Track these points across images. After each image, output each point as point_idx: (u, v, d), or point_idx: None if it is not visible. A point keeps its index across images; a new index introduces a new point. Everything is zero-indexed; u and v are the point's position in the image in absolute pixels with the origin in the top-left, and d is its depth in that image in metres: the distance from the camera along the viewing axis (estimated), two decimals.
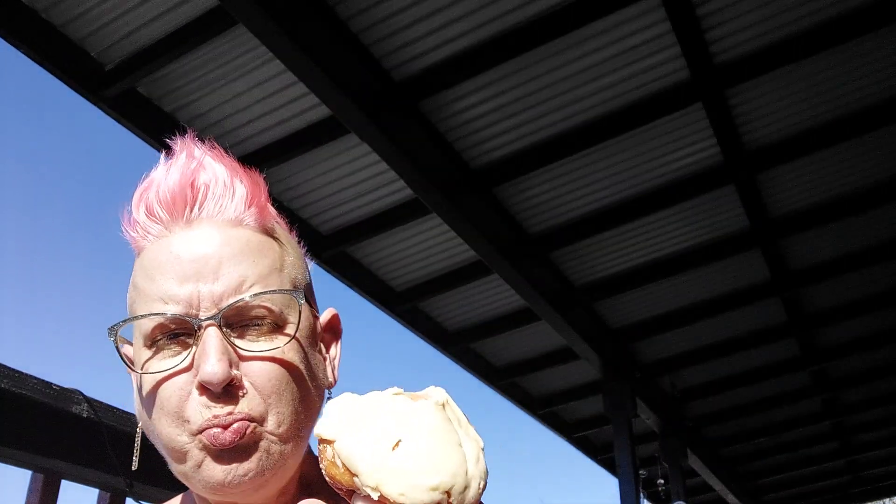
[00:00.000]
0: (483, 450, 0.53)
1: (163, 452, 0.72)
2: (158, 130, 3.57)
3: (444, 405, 0.54)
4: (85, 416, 2.17)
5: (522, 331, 5.71)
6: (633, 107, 3.75)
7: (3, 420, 1.97)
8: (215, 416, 0.66)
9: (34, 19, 3.08)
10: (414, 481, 0.48)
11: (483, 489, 0.52)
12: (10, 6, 2.99)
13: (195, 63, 3.37)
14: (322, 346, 0.78)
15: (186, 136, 0.76)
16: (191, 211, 0.71)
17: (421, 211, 4.20)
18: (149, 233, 0.72)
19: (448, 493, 0.48)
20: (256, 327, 0.69)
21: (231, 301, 0.68)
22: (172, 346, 0.69)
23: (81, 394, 2.20)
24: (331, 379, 0.78)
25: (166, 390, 0.68)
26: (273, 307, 0.70)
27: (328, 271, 4.65)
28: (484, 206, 4.16)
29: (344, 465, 0.51)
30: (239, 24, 2.95)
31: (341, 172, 4.06)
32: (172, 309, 0.68)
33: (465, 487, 0.49)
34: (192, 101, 3.57)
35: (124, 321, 0.71)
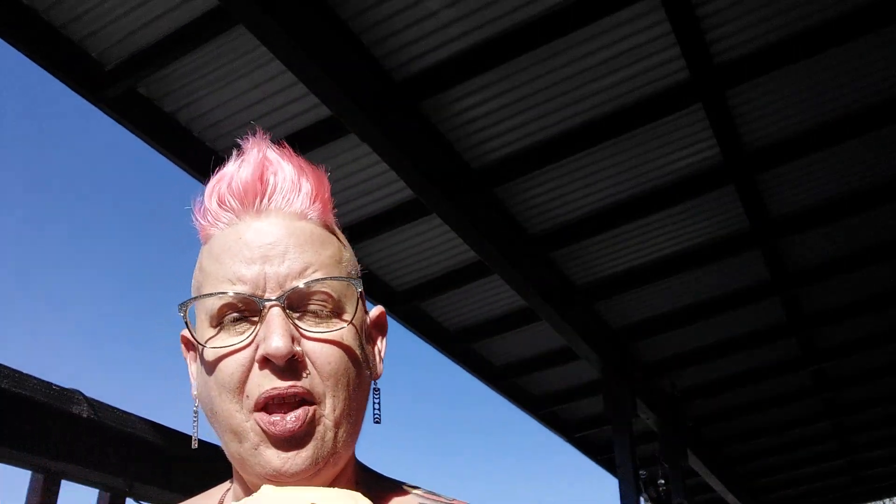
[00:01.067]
0: None
1: (220, 433, 0.75)
2: (158, 131, 3.58)
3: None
4: (85, 416, 2.17)
5: (522, 331, 5.71)
6: (633, 107, 3.75)
7: (3, 420, 1.97)
8: (274, 388, 0.70)
9: (34, 19, 3.08)
10: None
11: None
12: (10, 6, 2.99)
13: (195, 63, 3.37)
14: (369, 338, 0.83)
15: (258, 134, 0.83)
16: (260, 202, 0.77)
17: (421, 211, 4.20)
18: (219, 221, 0.78)
19: None
20: (317, 311, 0.75)
21: (295, 284, 0.73)
22: (237, 325, 0.73)
23: (81, 394, 2.20)
24: (378, 370, 0.83)
25: (228, 365, 0.72)
26: (333, 294, 0.75)
27: None
28: (484, 206, 4.17)
29: None
30: (239, 24, 2.96)
31: (341, 172, 4.06)
32: (239, 288, 0.73)
33: None
34: (192, 101, 3.57)
35: (194, 298, 0.76)
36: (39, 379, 2.09)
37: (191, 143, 3.72)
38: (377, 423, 0.80)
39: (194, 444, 0.79)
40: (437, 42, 3.33)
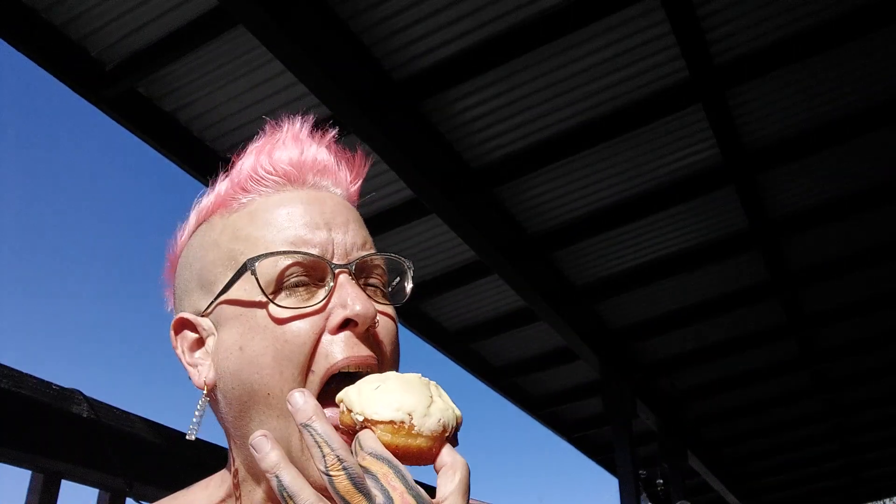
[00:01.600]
0: (458, 417, 0.65)
1: (257, 416, 0.69)
2: (158, 130, 3.58)
3: (428, 381, 0.66)
4: (85, 416, 2.17)
5: (522, 331, 5.71)
6: (633, 107, 3.75)
7: (3, 420, 1.97)
8: (353, 356, 0.69)
9: (34, 19, 3.08)
10: (385, 402, 0.61)
11: (448, 432, 0.62)
12: (10, 6, 2.99)
13: (195, 63, 3.37)
14: None
15: (301, 118, 0.84)
16: (313, 175, 0.78)
17: (421, 211, 4.20)
18: (265, 186, 0.76)
19: (410, 414, 0.61)
20: (375, 285, 0.75)
21: (361, 254, 0.74)
22: (301, 289, 0.71)
23: (81, 394, 2.20)
24: None
25: (297, 334, 0.69)
26: (386, 270, 0.77)
27: None
28: (484, 206, 4.17)
29: (346, 408, 0.63)
30: (239, 24, 2.96)
31: None
32: (306, 248, 0.71)
33: (425, 415, 0.61)
34: (192, 101, 3.57)
35: (268, 254, 0.71)
36: (39, 379, 2.09)
37: (190, 142, 3.72)
38: None
39: (191, 436, 0.74)
40: (436, 42, 3.33)
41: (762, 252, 5.01)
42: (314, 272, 0.71)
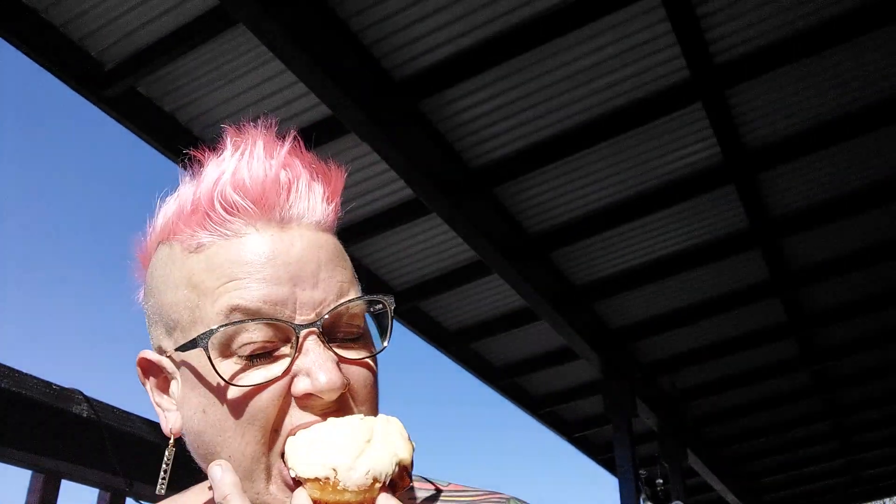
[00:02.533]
0: (400, 461, 0.62)
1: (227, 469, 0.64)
2: (158, 130, 3.58)
3: (372, 422, 0.63)
4: (85, 416, 2.17)
5: (522, 331, 5.70)
6: (633, 107, 3.75)
7: (3, 420, 1.97)
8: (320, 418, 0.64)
9: (34, 19, 3.08)
10: (312, 458, 0.60)
11: (381, 481, 0.60)
12: (10, 6, 2.99)
13: (195, 63, 3.37)
14: None
15: (257, 121, 0.73)
16: (281, 209, 0.67)
17: (421, 211, 4.20)
18: (222, 228, 0.65)
19: (335, 469, 0.59)
20: (350, 333, 0.68)
21: (331, 307, 0.65)
22: (262, 354, 0.64)
23: (81, 394, 2.20)
24: None
25: (259, 401, 0.63)
26: (362, 312, 0.69)
27: None
28: (484, 206, 4.16)
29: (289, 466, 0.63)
30: (239, 24, 2.96)
31: None
32: (267, 311, 0.63)
33: (351, 469, 0.59)
34: (192, 101, 3.57)
35: (221, 326, 0.63)
36: (39, 379, 2.09)
37: (191, 142, 3.71)
38: None
39: (160, 490, 0.70)
40: (436, 42, 3.33)
41: (762, 252, 5.00)
42: (277, 334, 0.64)
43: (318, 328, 0.64)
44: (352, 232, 4.46)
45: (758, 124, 3.99)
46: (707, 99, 3.71)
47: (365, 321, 0.70)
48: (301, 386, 0.62)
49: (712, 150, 4.12)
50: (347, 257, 0.71)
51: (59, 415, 2.11)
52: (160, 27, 3.17)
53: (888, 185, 4.49)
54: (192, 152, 0.76)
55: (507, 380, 6.39)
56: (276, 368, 0.63)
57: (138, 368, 0.71)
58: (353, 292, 0.68)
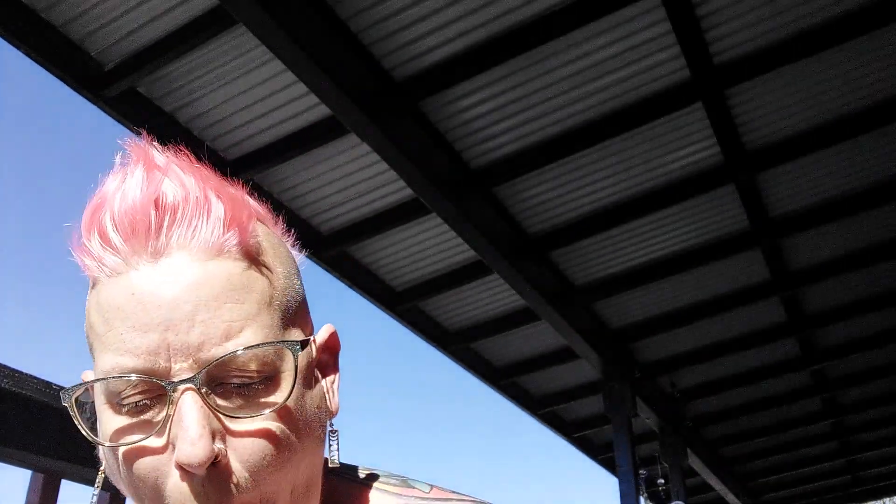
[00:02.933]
0: None
1: None
2: (158, 130, 3.58)
3: None
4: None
5: (522, 331, 5.70)
6: (633, 107, 3.75)
7: (3, 420, 1.97)
8: None
9: (34, 19, 3.08)
10: None
11: None
12: (10, 6, 2.99)
13: (195, 63, 3.37)
14: (318, 373, 0.64)
15: (143, 138, 0.61)
16: (156, 239, 0.56)
17: (421, 211, 4.20)
18: (104, 265, 0.56)
19: None
20: (244, 386, 0.55)
21: (213, 355, 0.54)
22: (142, 411, 0.55)
23: None
24: (332, 408, 0.65)
25: (142, 468, 0.55)
26: (265, 357, 0.56)
27: (328, 271, 4.66)
28: (484, 206, 4.16)
29: None
30: (239, 24, 2.95)
31: (341, 172, 4.06)
32: (134, 365, 0.54)
33: None
34: (192, 101, 3.57)
35: (79, 385, 0.57)
36: (39, 379, 2.09)
37: (191, 142, 3.72)
38: (333, 466, 0.65)
39: None
40: (436, 42, 3.32)
41: (762, 252, 5.01)
42: (154, 390, 0.54)
43: (194, 384, 0.53)
44: (352, 232, 4.46)
45: (758, 124, 3.99)
46: (707, 99, 3.71)
47: (286, 357, 0.57)
48: (175, 456, 0.53)
49: (712, 150, 4.12)
50: (261, 279, 0.58)
51: (59, 415, 2.11)
52: (160, 27, 3.17)
53: (888, 185, 4.49)
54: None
55: (507, 380, 6.39)
56: (152, 429, 0.55)
57: (71, 411, 0.64)
58: (251, 332, 0.55)
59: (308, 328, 0.64)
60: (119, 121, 3.45)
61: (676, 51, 3.47)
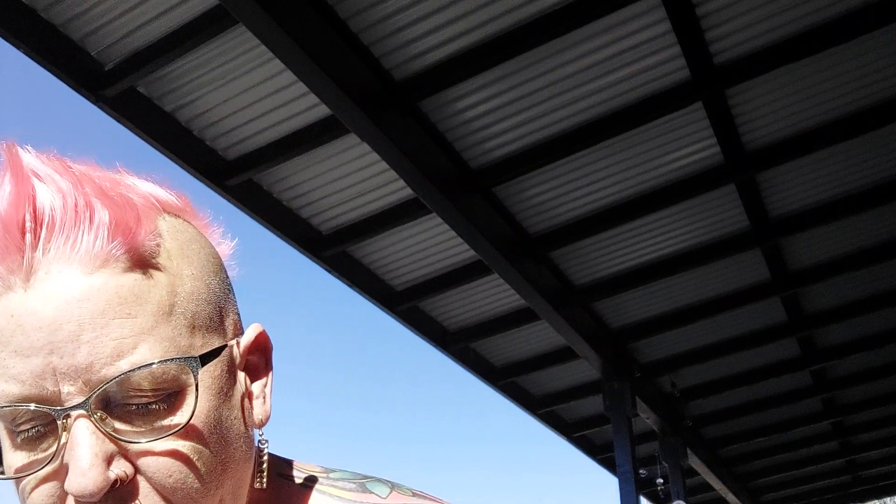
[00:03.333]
0: None
1: None
2: (158, 130, 3.57)
3: None
4: None
5: (522, 331, 5.70)
6: (633, 107, 3.75)
7: None
8: None
9: (34, 19, 3.08)
10: None
11: None
12: (10, 6, 2.99)
13: (195, 63, 3.37)
14: (246, 378, 0.59)
15: (10, 143, 0.53)
16: (32, 254, 0.50)
17: (421, 211, 4.20)
18: None
19: None
20: (141, 401, 0.51)
21: (104, 375, 0.49)
22: (35, 438, 0.51)
23: None
24: (261, 417, 0.60)
25: (37, 499, 0.51)
26: (164, 375, 0.51)
27: (328, 271, 4.65)
28: (484, 206, 4.16)
29: None
30: (239, 23, 2.95)
31: (341, 172, 4.06)
32: (19, 392, 0.49)
33: None
34: (192, 100, 3.56)
35: None
36: None
37: (191, 141, 3.72)
38: (258, 487, 0.61)
39: None
40: (436, 41, 3.32)
41: (762, 252, 5.00)
42: (46, 417, 0.50)
43: (86, 409, 0.49)
44: (352, 232, 4.46)
45: (758, 124, 3.99)
46: (707, 99, 3.71)
47: (192, 367, 0.52)
48: (66, 485, 0.49)
49: (712, 150, 4.12)
50: (158, 285, 0.53)
51: None
52: (160, 27, 3.17)
53: (888, 184, 4.49)
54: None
55: (507, 380, 6.39)
56: (46, 456, 0.51)
57: None
58: (146, 348, 0.50)
59: (231, 331, 0.59)
60: (119, 121, 3.45)
61: (676, 51, 3.47)
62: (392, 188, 4.16)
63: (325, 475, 0.68)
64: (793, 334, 6.13)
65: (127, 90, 3.40)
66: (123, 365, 0.49)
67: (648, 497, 8.35)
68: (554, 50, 3.42)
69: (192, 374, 0.52)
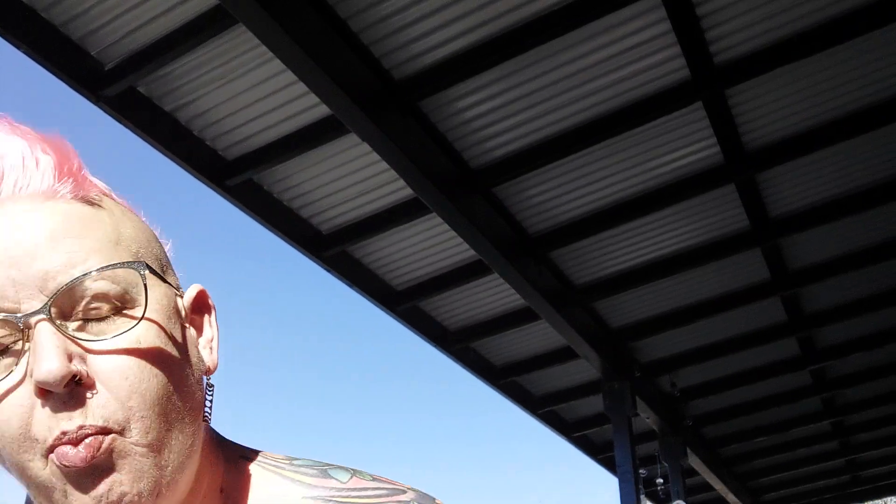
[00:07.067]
0: None
1: (24, 486, 0.59)
2: (158, 130, 3.58)
3: None
4: None
5: (522, 331, 5.70)
6: (633, 107, 3.75)
7: None
8: (64, 433, 0.53)
9: (34, 19, 3.08)
10: None
11: None
12: (10, 5, 2.99)
13: (195, 63, 3.37)
14: (191, 328, 0.65)
15: None
16: None
17: (421, 210, 4.20)
18: None
19: None
20: (97, 312, 0.56)
21: (60, 282, 0.55)
22: (2, 353, 0.56)
23: None
24: (209, 363, 0.66)
25: (4, 412, 0.55)
26: (114, 286, 0.57)
27: (328, 271, 4.66)
28: (484, 205, 4.17)
29: None
30: (239, 23, 2.95)
31: (341, 172, 4.06)
32: None
33: None
34: (192, 100, 3.56)
35: None
36: None
37: (191, 141, 3.72)
38: (205, 421, 0.64)
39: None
40: (436, 41, 3.32)
41: (762, 252, 5.01)
42: (8, 329, 0.55)
43: (45, 314, 0.54)
44: (352, 231, 4.46)
45: (758, 124, 3.99)
46: (707, 99, 3.71)
47: (140, 291, 0.58)
48: (33, 378, 0.54)
49: (712, 150, 4.12)
50: (106, 220, 0.60)
51: None
52: (160, 27, 3.17)
53: (888, 184, 4.49)
54: None
55: (508, 379, 6.40)
56: (12, 371, 0.55)
57: None
58: (95, 260, 0.56)
59: (174, 285, 0.64)
60: (119, 120, 3.45)
61: (676, 51, 3.47)
62: (392, 188, 4.16)
63: (288, 462, 0.71)
64: (792, 334, 6.13)
65: (127, 90, 3.40)
66: (76, 272, 0.55)
67: (648, 497, 8.35)
68: (554, 50, 3.42)
69: (140, 278, 0.58)
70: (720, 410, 7.66)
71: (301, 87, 3.35)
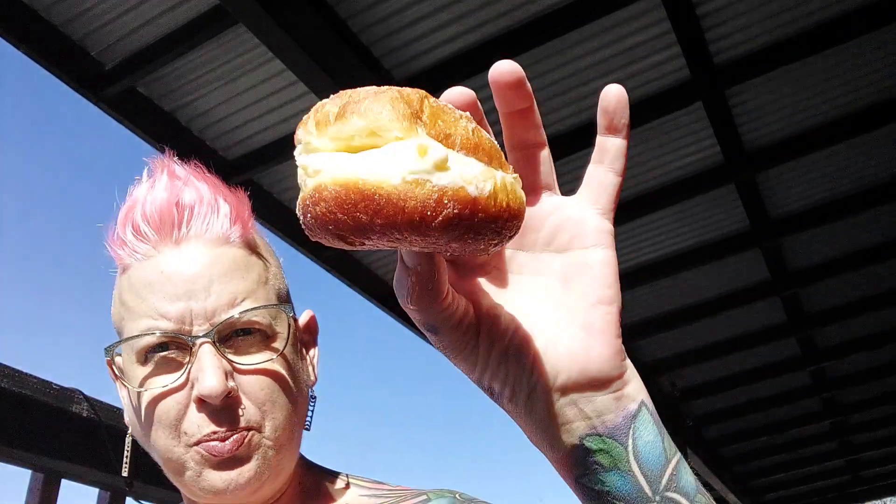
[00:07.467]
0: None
1: (159, 462, 0.75)
2: (158, 130, 3.58)
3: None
4: (85, 415, 2.17)
5: None
6: (632, 106, 3.60)
7: (3, 420, 1.97)
8: (214, 432, 0.70)
9: (34, 19, 3.08)
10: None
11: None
12: (10, 6, 2.99)
13: (195, 63, 3.37)
14: (302, 348, 0.82)
15: (167, 153, 0.79)
16: (178, 230, 0.74)
17: None
18: (136, 252, 0.75)
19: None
20: (247, 340, 0.74)
21: (224, 317, 0.72)
22: (166, 362, 0.73)
23: (81, 394, 2.20)
24: (312, 378, 0.83)
25: (165, 405, 0.72)
26: (262, 320, 0.74)
27: (328, 271, 4.66)
28: None
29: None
30: (239, 23, 2.96)
31: None
32: (164, 326, 0.72)
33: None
34: (192, 100, 3.57)
35: (120, 342, 0.75)
36: (39, 378, 2.09)
37: (191, 142, 3.72)
38: (307, 430, 0.80)
39: (125, 472, 0.82)
40: (436, 41, 3.33)
41: (762, 252, 5.01)
42: (176, 345, 0.72)
43: (210, 337, 0.71)
44: None
45: (758, 124, 3.99)
46: (707, 99, 3.71)
47: (280, 323, 0.76)
48: (194, 392, 0.71)
49: (712, 150, 4.12)
50: (259, 264, 0.78)
51: (59, 415, 2.11)
52: (160, 27, 3.17)
53: (889, 184, 4.49)
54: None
55: None
56: (177, 375, 0.72)
57: (108, 368, 0.80)
58: (249, 302, 0.74)
59: (292, 310, 0.82)
60: (119, 121, 3.45)
61: (676, 51, 3.48)
62: None
63: (373, 482, 0.87)
64: (792, 334, 6.14)
65: (127, 90, 3.40)
66: (236, 311, 0.73)
67: None
68: (554, 50, 3.42)
69: (286, 318, 0.76)
70: (720, 411, 7.67)
71: (301, 87, 3.35)
